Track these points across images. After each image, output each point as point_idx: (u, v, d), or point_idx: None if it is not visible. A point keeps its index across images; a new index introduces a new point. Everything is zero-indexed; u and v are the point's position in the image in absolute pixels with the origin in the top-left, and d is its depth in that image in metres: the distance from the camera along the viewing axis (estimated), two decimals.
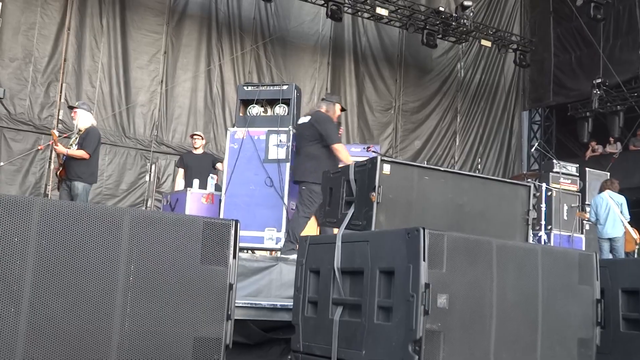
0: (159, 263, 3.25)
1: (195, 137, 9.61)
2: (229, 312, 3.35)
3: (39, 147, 10.62)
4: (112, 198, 12.21)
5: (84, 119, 7.98)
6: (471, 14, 14.97)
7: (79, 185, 7.73)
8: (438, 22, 14.66)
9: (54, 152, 8.46)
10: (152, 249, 3.23)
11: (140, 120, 12.84)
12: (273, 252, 7.48)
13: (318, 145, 6.96)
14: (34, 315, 2.98)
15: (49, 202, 3.25)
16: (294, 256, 7.15)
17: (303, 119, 7.33)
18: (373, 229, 4.10)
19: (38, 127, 11.69)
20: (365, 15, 14.67)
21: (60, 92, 12.12)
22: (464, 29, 15.06)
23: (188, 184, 8.65)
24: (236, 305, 3.50)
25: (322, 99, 7.55)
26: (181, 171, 9.30)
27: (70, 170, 7.81)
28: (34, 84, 11.90)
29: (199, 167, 8.96)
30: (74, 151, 7.85)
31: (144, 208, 12.08)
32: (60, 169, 7.91)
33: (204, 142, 9.18)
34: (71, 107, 8.51)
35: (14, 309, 2.95)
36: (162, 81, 13.08)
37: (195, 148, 9.58)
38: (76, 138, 7.93)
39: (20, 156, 11.19)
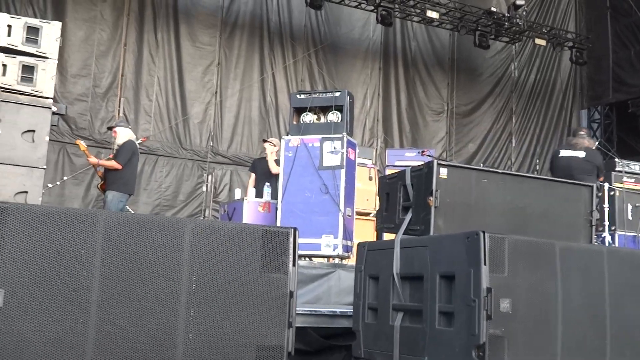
0: (220, 272, 3.29)
1: (265, 142, 9.44)
2: (290, 320, 3.36)
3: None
4: (170, 209, 12.43)
5: (122, 136, 8.25)
6: (524, 13, 14.71)
7: (109, 195, 7.98)
8: (490, 23, 14.46)
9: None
10: (213, 258, 3.28)
11: (196, 132, 13.04)
12: (331, 259, 7.48)
13: (592, 178, 7.66)
14: (101, 325, 3.05)
15: (112, 214, 3.33)
16: (352, 263, 7.16)
17: (571, 152, 7.89)
18: (431, 233, 4.06)
19: (99, 141, 11.97)
20: (415, 19, 14.58)
21: (119, 107, 12.42)
22: (517, 29, 14.80)
23: (258, 189, 8.64)
24: (296, 312, 3.51)
25: (580, 134, 8.17)
26: (253, 176, 9.28)
27: (106, 181, 8.13)
28: (94, 99, 12.23)
29: (268, 173, 8.88)
30: (104, 161, 8.17)
31: (201, 218, 12.24)
32: (102, 182, 8.21)
33: (276, 148, 8.95)
34: (110, 128, 8.76)
35: (83, 319, 3.03)
36: (216, 92, 13.26)
37: (265, 154, 9.42)
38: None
39: (82, 170, 11.49)
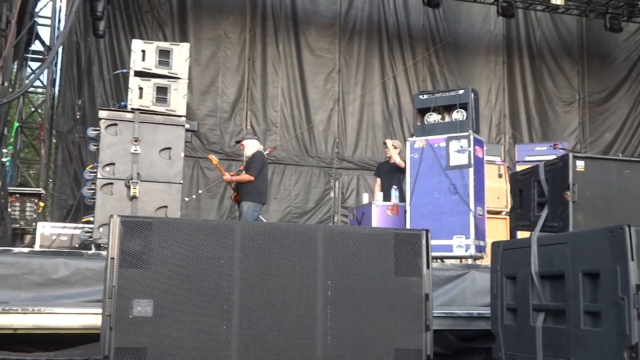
0: (355, 276, 3.32)
1: (385, 143, 9.41)
2: (427, 323, 3.34)
3: (231, 173, 11.28)
4: (301, 216, 12.70)
5: (250, 147, 8.51)
6: None
7: (244, 205, 8.23)
8: (622, 4, 13.65)
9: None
10: (347, 262, 3.31)
11: (321, 139, 13.24)
12: (463, 260, 7.35)
13: None
14: (243, 331, 3.17)
15: (248, 224, 3.45)
16: (485, 263, 7.00)
17: None
18: (571, 229, 3.89)
19: (229, 154, 12.42)
20: (539, 7, 14.05)
21: (246, 119, 12.87)
22: None
23: (385, 193, 8.61)
24: (433, 315, 3.47)
25: None
26: (378, 181, 9.29)
27: (240, 193, 8.38)
28: (222, 114, 12.74)
29: (392, 176, 8.83)
30: (238, 177, 8.44)
31: (331, 224, 12.40)
32: (235, 194, 8.48)
33: (397, 150, 8.92)
34: (238, 142, 9.04)
35: (226, 326, 3.16)
36: (338, 99, 13.42)
37: (388, 156, 9.45)
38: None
39: (215, 183, 11.95)
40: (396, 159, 8.69)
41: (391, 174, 8.77)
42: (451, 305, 5.99)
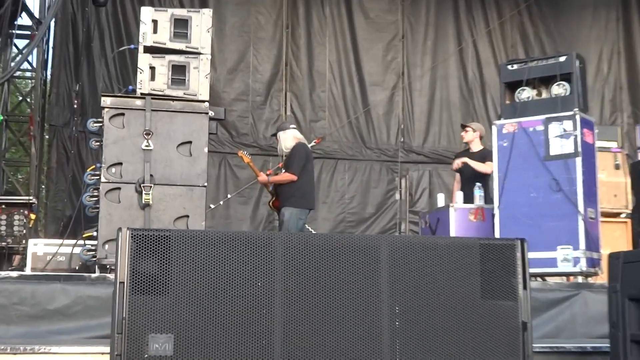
0: (430, 301, 3.30)
1: (465, 128, 9.33)
2: (526, 359, 3.30)
3: (268, 172, 11.33)
4: (357, 225, 12.66)
5: (289, 138, 8.53)
6: None
7: (285, 212, 8.25)
8: None
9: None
10: (420, 284, 3.29)
11: (381, 125, 13.17)
12: (571, 278, 7.26)
13: None
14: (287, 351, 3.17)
15: (291, 236, 3.45)
16: (601, 281, 6.89)
17: None
18: None
19: (264, 148, 12.45)
20: None
21: (285, 104, 12.90)
22: None
23: (466, 192, 8.48)
24: (533, 349, 3.44)
25: None
26: (457, 176, 9.22)
27: (279, 197, 8.44)
28: (255, 97, 12.80)
29: (475, 170, 8.70)
30: (278, 177, 8.51)
31: (397, 234, 12.35)
32: (273, 198, 8.51)
33: (476, 134, 8.81)
34: (274, 135, 9.04)
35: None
36: (402, 73, 13.35)
37: (466, 144, 9.24)
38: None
39: (248, 185, 12.02)
40: (478, 167, 8.55)
41: (474, 168, 8.68)
42: (557, 337, 5.96)
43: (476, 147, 8.81)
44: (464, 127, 9.21)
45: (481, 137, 8.86)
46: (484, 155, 8.58)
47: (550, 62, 7.81)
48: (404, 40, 13.46)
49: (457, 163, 8.81)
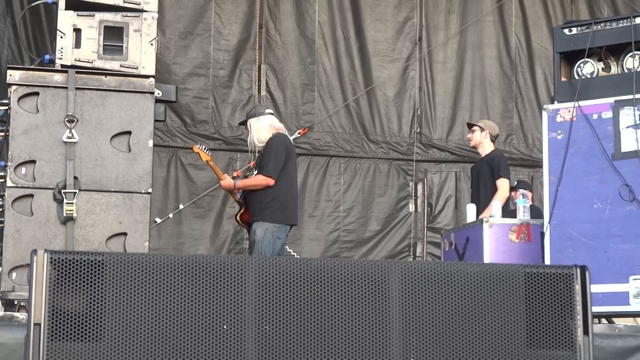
0: (456, 350, 3.33)
1: (472, 128, 9.52)
2: None
3: (235, 174, 11.33)
4: (357, 247, 12.64)
5: (260, 130, 8.54)
6: None
7: (257, 229, 8.24)
8: None
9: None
10: (442, 327, 3.32)
11: (390, 110, 13.15)
12: None
13: None
14: None
15: (267, 261, 3.48)
16: None
17: None
18: None
19: (230, 141, 12.40)
20: None
21: (259, 81, 12.83)
22: None
23: (505, 202, 8.60)
24: None
25: None
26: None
27: (251, 208, 8.45)
28: (218, 70, 12.75)
29: (481, 176, 8.86)
30: (249, 180, 8.53)
31: (411, 259, 12.37)
32: (242, 210, 8.48)
33: (484, 134, 8.94)
34: (243, 123, 9.06)
35: None
36: (419, 39, 13.35)
37: (472, 147, 9.63)
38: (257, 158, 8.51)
39: (208, 191, 12.02)
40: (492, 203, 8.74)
41: (481, 172, 8.84)
42: None
43: (485, 149, 8.97)
44: (470, 126, 9.37)
45: (495, 137, 8.96)
46: (491, 162, 8.76)
47: (622, 26, 7.83)
48: None
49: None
